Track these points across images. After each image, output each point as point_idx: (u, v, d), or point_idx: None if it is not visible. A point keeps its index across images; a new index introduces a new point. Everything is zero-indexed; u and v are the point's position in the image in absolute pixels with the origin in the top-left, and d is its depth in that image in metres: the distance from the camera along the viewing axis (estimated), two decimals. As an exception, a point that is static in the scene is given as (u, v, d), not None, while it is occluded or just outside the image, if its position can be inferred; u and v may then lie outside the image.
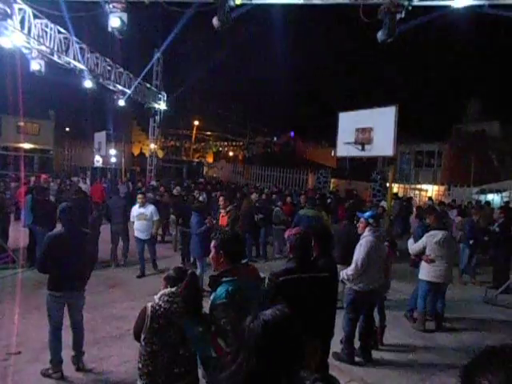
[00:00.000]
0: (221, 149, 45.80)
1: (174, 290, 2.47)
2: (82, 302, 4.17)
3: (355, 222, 5.86)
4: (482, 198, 17.47)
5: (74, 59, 11.14)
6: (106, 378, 4.02)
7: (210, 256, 2.65)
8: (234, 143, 45.41)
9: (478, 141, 21.87)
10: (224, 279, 2.44)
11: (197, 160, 37.35)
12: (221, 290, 2.39)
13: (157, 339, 2.39)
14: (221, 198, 8.00)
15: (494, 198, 17.72)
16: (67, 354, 4.09)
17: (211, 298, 2.46)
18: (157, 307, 2.41)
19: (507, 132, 22.28)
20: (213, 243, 2.61)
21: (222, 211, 7.72)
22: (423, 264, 5.72)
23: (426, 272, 5.66)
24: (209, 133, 44.80)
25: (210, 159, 42.36)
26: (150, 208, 7.69)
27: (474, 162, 19.08)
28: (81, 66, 11.61)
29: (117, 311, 5.68)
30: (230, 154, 44.50)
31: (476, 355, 0.87)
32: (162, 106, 19.47)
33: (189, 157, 40.49)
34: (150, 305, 2.45)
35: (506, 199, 16.74)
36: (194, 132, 42.04)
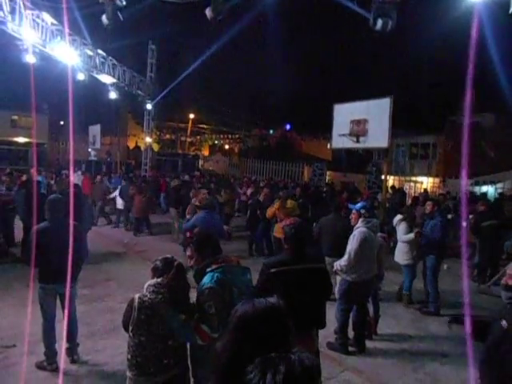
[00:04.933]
0: (217, 142, 45.62)
1: (159, 280, 2.48)
2: (74, 294, 4.18)
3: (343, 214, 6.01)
4: (477, 189, 17.58)
5: (67, 51, 11.01)
6: (100, 370, 4.04)
7: (193, 262, 2.68)
8: (230, 136, 45.24)
9: (473, 133, 21.92)
10: (209, 269, 2.46)
11: (192, 153, 37.22)
12: (208, 277, 2.42)
13: (144, 330, 2.40)
14: (203, 191, 7.91)
15: (489, 190, 17.83)
16: (62, 346, 4.10)
17: (199, 286, 2.48)
18: (144, 298, 2.42)
19: (501, 124, 22.34)
20: (189, 253, 2.66)
21: None
22: None
23: None
24: (204, 126, 44.59)
25: (206, 152, 42.18)
26: None
27: (468, 154, 19.11)
28: (74, 58, 11.49)
29: (112, 304, 5.68)
30: (226, 147, 44.33)
31: None
32: (156, 98, 19.32)
33: (184, 150, 40.32)
34: (137, 296, 2.46)
35: (499, 190, 16.86)
36: (190, 125, 41.83)
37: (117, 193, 11.77)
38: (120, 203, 11.53)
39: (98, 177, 13.08)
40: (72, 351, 4.17)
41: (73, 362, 4.12)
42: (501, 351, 2.28)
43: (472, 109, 22.17)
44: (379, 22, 6.32)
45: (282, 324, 1.37)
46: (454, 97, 23.20)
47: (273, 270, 3.02)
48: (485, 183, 18.37)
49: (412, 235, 6.11)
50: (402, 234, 6.30)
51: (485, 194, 14.50)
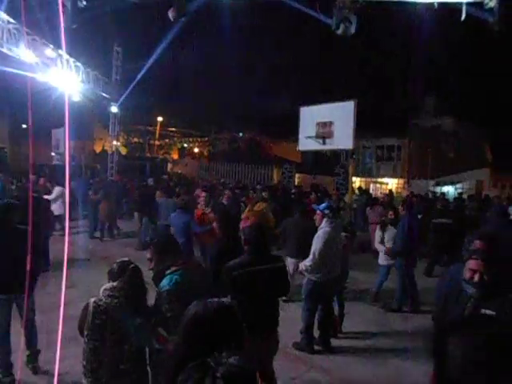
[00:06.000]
0: (186, 145, 45.21)
1: (115, 284, 2.44)
2: (32, 302, 4.02)
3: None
4: (438, 189, 18.29)
5: (26, 51, 10.60)
6: (60, 379, 3.90)
7: (153, 264, 2.63)
8: (199, 139, 44.94)
9: (434, 136, 22.80)
10: (168, 271, 2.44)
11: (161, 157, 36.71)
12: (166, 280, 2.39)
13: (99, 335, 2.35)
14: (203, 194, 7.62)
15: (449, 190, 18.59)
16: (19, 357, 3.94)
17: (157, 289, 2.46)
18: (99, 302, 2.37)
19: (460, 128, 23.38)
20: (148, 255, 2.62)
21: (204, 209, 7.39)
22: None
23: None
24: (173, 129, 44.11)
25: (175, 156, 41.71)
26: None
27: (430, 156, 19.90)
28: (33, 58, 11.08)
29: (74, 311, 5.42)
30: (196, 150, 44.02)
31: (447, 323, 0.97)
32: (122, 101, 18.90)
33: (153, 153, 39.72)
34: (92, 300, 2.41)
35: (459, 190, 17.60)
36: (158, 128, 41.27)
37: (53, 196, 10.43)
38: (56, 209, 10.27)
39: (41, 179, 12.38)
40: (32, 358, 4.03)
41: (33, 370, 3.98)
42: (494, 343, 2.29)
43: (433, 113, 23.09)
44: (341, 27, 6.48)
45: (234, 325, 1.38)
46: (417, 100, 24.06)
47: (235, 273, 3.03)
48: (445, 184, 19.14)
49: (383, 250, 6.45)
50: (376, 241, 6.69)
51: (443, 194, 15.11)
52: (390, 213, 6.72)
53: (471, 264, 2.43)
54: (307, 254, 4.76)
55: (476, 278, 2.38)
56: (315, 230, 4.98)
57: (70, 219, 12.09)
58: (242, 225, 3.46)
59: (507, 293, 2.38)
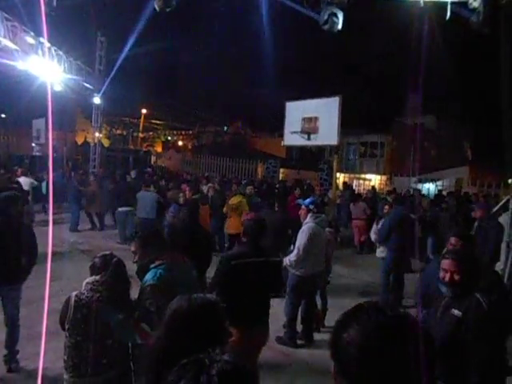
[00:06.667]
0: (170, 138, 44.79)
1: (97, 278, 2.40)
2: (17, 296, 3.93)
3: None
4: (420, 186, 18.62)
5: (5, 38, 10.26)
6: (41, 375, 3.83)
7: (137, 257, 2.60)
8: (183, 132, 44.57)
9: (417, 133, 23.12)
10: (152, 265, 2.41)
11: (144, 149, 36.27)
12: (150, 274, 2.37)
13: (81, 330, 2.32)
14: (187, 188, 7.85)
15: (430, 187, 18.95)
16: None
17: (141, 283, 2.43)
18: (81, 296, 2.34)
19: (441, 125, 23.81)
20: (133, 248, 2.59)
21: None
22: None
23: None
24: (157, 122, 43.61)
25: (159, 149, 41.28)
26: None
27: (413, 154, 20.20)
28: (12, 45, 10.74)
29: (56, 305, 5.32)
30: (180, 143, 43.64)
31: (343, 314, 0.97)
32: (105, 92, 18.52)
33: (137, 146, 39.22)
34: (74, 294, 2.37)
35: (439, 188, 17.95)
36: (142, 120, 40.72)
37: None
38: None
39: (19, 170, 12.13)
40: (10, 358, 3.91)
41: (10, 370, 3.88)
42: (458, 340, 2.28)
43: (417, 111, 23.40)
44: (329, 23, 6.48)
45: (217, 322, 1.37)
46: (401, 98, 24.33)
47: (233, 263, 3.03)
48: (426, 181, 19.48)
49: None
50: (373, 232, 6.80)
51: (419, 191, 15.45)
52: (386, 207, 6.83)
53: (443, 263, 2.44)
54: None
55: (446, 277, 2.39)
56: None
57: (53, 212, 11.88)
58: (242, 217, 3.50)
59: (474, 292, 2.35)
